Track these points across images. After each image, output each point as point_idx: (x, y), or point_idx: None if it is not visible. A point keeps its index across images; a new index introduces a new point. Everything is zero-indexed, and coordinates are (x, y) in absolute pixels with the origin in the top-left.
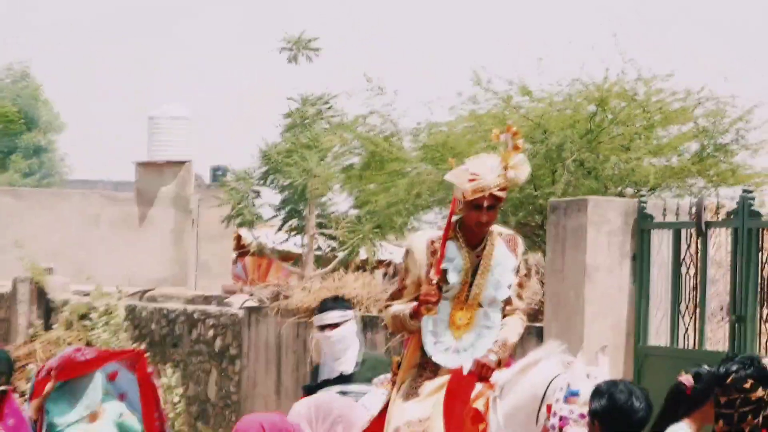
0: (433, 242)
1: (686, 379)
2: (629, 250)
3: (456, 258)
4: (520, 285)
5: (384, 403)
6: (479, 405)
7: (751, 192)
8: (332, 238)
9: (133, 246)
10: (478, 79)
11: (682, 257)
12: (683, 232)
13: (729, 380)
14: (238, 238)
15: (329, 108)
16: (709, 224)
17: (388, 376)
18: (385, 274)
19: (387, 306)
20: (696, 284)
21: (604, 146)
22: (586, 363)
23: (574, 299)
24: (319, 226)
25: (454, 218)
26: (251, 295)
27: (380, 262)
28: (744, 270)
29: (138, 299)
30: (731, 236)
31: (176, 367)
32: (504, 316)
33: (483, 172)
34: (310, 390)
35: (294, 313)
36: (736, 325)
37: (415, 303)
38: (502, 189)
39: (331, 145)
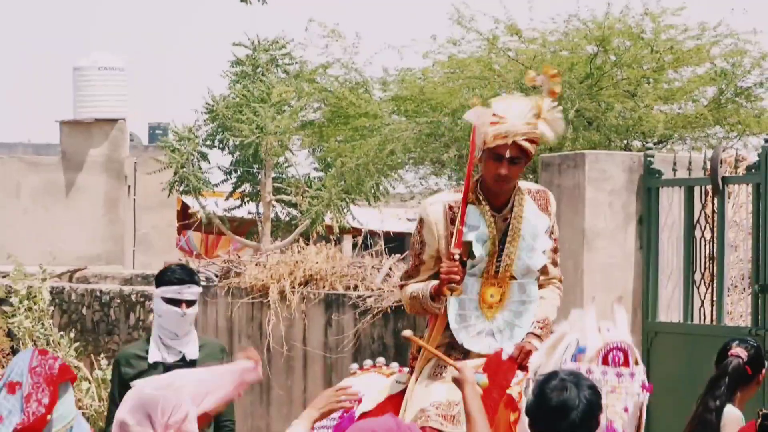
0: (451, 208)
1: (742, 353)
2: (635, 212)
3: (480, 225)
4: (554, 250)
5: (393, 390)
6: (514, 392)
7: None
8: (292, 205)
9: (59, 219)
10: (458, 18)
11: (695, 219)
12: (697, 189)
13: None
14: (183, 207)
15: (285, 55)
16: (726, 180)
17: (380, 360)
18: (354, 245)
19: (403, 285)
20: (712, 250)
21: (606, 93)
22: (599, 316)
23: (572, 270)
24: (276, 191)
25: (474, 179)
26: (198, 272)
27: (348, 231)
28: None
29: (66, 280)
30: (753, 193)
31: (112, 357)
32: (539, 287)
33: (509, 115)
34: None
35: (247, 293)
36: (760, 297)
37: (435, 282)
38: (531, 141)
39: (288, 98)
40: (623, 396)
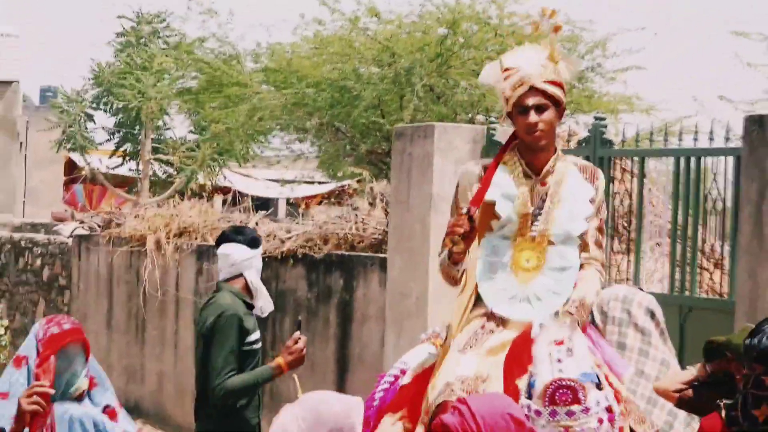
0: (486, 169)
1: None
2: None
3: (508, 185)
4: (600, 229)
5: (427, 363)
6: (521, 384)
7: (603, 119)
8: (169, 163)
9: None
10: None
11: None
12: None
13: None
14: (70, 163)
15: (166, 27)
16: None
17: (436, 329)
18: (224, 202)
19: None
20: None
21: (454, 71)
22: (555, 332)
23: (420, 232)
24: (155, 151)
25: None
26: (82, 222)
27: (220, 189)
28: None
29: None
30: None
31: (2, 297)
32: (579, 267)
33: (520, 63)
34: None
35: (126, 242)
36: None
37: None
38: (553, 83)
39: (168, 67)
40: None
